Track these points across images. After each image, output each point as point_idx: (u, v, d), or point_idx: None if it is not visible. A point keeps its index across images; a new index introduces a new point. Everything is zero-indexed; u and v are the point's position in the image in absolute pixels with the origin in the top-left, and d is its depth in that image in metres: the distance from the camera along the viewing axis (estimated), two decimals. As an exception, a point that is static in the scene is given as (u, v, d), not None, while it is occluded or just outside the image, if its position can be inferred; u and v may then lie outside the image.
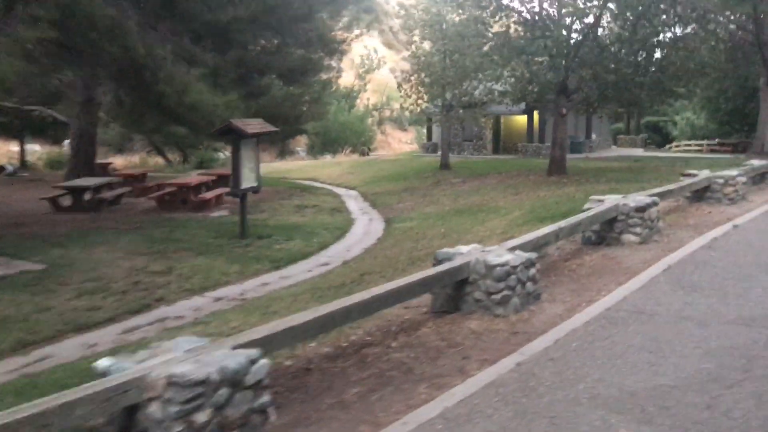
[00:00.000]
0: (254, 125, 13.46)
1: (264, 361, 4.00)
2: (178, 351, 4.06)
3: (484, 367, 4.78)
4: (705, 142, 40.45)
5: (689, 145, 41.51)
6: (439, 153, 30.36)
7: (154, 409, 3.55)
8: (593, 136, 36.36)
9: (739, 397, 3.98)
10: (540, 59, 19.80)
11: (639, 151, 36.53)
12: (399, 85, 29.06)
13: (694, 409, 3.87)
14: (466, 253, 6.29)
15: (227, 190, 21.97)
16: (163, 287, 9.93)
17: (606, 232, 8.39)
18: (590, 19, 19.44)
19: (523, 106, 26.70)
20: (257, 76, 27.04)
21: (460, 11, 23.23)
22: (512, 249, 6.53)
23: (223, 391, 3.76)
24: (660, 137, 49.96)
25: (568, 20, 19.69)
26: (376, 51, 72.13)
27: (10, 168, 31.16)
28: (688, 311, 5.61)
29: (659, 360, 4.63)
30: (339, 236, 15.04)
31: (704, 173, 10.89)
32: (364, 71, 68.47)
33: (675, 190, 9.88)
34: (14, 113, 28.56)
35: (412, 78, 28.12)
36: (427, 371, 4.76)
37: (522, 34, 20.28)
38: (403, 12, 29.68)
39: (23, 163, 35.30)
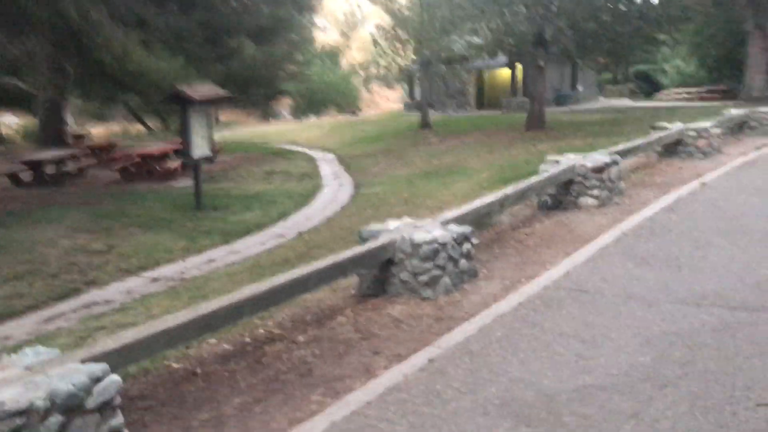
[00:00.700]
0: (204, 91, 12.67)
1: (112, 378, 3.37)
2: (17, 367, 3.45)
3: (393, 364, 4.18)
4: (695, 89, 39.53)
5: (679, 93, 40.58)
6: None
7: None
8: (579, 87, 35.44)
9: (671, 401, 3.38)
10: (515, 9, 18.85)
11: (626, 102, 35.66)
12: (375, 42, 28.01)
13: (616, 419, 3.27)
14: (393, 229, 5.65)
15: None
16: (99, 268, 9.31)
17: (563, 195, 7.75)
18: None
19: (505, 59, 25.79)
20: (226, 37, 26.06)
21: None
22: (447, 222, 5.89)
23: (54, 420, 3.15)
24: (650, 86, 48.91)
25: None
26: (360, 7, 70.25)
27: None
28: (634, 288, 5.00)
29: (590, 352, 4.03)
30: (302, 204, 14.37)
31: (676, 126, 10.18)
32: (348, 29, 66.94)
33: (642, 145, 9.18)
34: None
35: (389, 34, 27.08)
36: (328, 372, 4.16)
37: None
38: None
39: (-3, 136, 34.34)
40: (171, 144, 21.21)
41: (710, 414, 3.24)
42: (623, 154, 8.70)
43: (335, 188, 16.98)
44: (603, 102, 36.16)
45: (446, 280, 5.43)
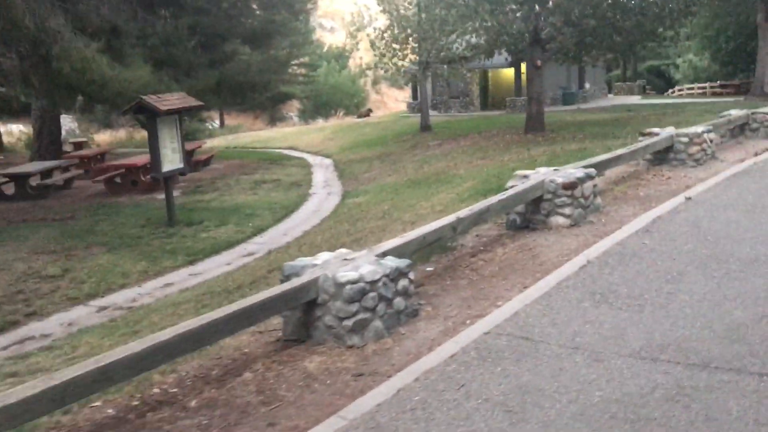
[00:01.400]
0: (172, 101, 12.08)
1: None
2: None
3: (285, 441, 3.53)
4: (708, 84, 38.41)
5: (692, 88, 39.46)
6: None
7: None
8: (587, 85, 34.52)
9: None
10: (509, 8, 18.07)
11: (636, 99, 34.67)
12: (372, 43, 27.32)
13: None
14: (321, 264, 5.00)
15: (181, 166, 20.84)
16: (46, 296, 8.76)
17: (532, 214, 7.04)
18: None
19: (507, 58, 24.97)
20: (219, 42, 25.57)
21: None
22: (384, 254, 5.23)
23: None
24: (663, 82, 47.73)
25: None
26: (368, 8, 69.76)
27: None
28: (585, 335, 4.30)
29: (514, 429, 3.34)
30: (282, 217, 13.78)
31: (666, 132, 9.39)
32: (356, 29, 66.25)
33: (625, 156, 8.42)
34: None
35: (386, 35, 26.40)
36: (207, 452, 3.52)
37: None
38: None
39: (-1, 146, 34.14)
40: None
41: None
42: (603, 165, 7.97)
43: (322, 198, 16.37)
44: (612, 100, 35.21)
45: (377, 323, 4.76)
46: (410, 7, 25.25)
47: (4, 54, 13.07)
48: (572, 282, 5.24)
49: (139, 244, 11.35)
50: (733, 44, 34.36)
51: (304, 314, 4.89)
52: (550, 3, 18.07)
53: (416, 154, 20.76)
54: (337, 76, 57.90)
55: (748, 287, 4.77)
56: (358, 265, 4.85)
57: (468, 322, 4.89)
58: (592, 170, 7.11)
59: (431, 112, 29.55)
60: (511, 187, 7.11)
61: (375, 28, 28.12)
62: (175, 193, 18.16)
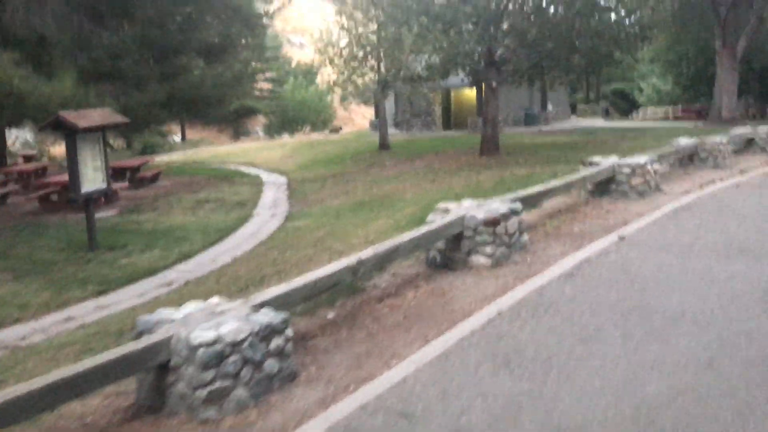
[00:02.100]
0: (93, 117, 11.28)
1: None
2: None
3: None
4: (671, 108, 38.52)
5: (655, 112, 39.55)
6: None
7: None
8: (549, 107, 34.35)
9: None
10: (463, 28, 17.63)
11: (599, 121, 34.59)
12: (331, 60, 26.77)
13: None
14: (182, 318, 4.29)
15: (125, 184, 19.91)
16: (-75, 333, 7.87)
17: (452, 251, 6.40)
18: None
19: (462, 79, 24.59)
20: (172, 55, 24.76)
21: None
22: (263, 304, 4.53)
23: None
24: (627, 104, 47.92)
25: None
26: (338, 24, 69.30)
27: None
28: (472, 414, 3.63)
29: None
30: (216, 241, 12.99)
31: (607, 161, 8.88)
32: (324, 45, 65.75)
33: (560, 187, 7.86)
34: None
35: (344, 52, 25.89)
36: None
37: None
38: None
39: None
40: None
41: None
42: (535, 198, 7.40)
43: (264, 220, 15.60)
44: (574, 122, 35.07)
45: (240, 392, 4.05)
46: (370, 24, 24.80)
47: None
48: (476, 339, 4.59)
49: (51, 270, 10.50)
50: (694, 68, 34.50)
51: (156, 379, 4.17)
52: (505, 25, 17.66)
53: (370, 174, 20.17)
54: (304, 92, 57.23)
55: (668, 351, 4.17)
56: (220, 322, 4.15)
57: (352, 387, 4.21)
58: (517, 205, 6.51)
59: (393, 131, 29.09)
60: (432, 221, 6.48)
61: (333, 45, 27.59)
62: (112, 212, 17.34)
